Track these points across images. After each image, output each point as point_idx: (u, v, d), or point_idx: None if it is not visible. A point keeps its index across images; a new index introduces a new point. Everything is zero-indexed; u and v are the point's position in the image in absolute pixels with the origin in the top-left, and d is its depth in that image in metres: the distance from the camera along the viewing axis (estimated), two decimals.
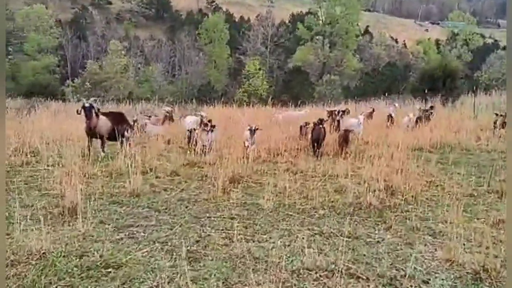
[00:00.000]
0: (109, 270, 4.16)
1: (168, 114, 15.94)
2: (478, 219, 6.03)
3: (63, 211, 5.74)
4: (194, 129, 10.76)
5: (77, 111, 9.52)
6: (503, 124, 13.09)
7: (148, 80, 52.64)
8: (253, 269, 4.20)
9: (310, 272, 4.22)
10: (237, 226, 5.48)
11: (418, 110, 17.50)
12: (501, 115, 13.64)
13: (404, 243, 5.08)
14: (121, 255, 4.47)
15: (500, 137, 12.83)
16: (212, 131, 10.32)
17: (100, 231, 5.19)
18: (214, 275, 4.14)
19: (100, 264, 4.25)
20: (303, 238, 5.04)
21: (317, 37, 60.76)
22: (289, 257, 4.55)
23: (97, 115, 9.31)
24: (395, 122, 15.87)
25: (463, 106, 22.37)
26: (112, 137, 9.70)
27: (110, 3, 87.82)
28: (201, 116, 13.79)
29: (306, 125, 12.32)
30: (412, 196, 6.91)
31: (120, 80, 48.34)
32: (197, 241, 5.01)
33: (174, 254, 4.57)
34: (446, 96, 27.08)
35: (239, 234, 5.18)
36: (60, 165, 8.12)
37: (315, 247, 4.79)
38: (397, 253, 4.78)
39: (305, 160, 9.52)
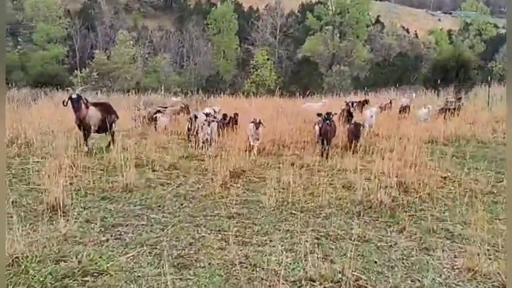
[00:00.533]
0: (87, 278, 3.70)
1: (183, 106, 15.44)
2: (499, 219, 5.49)
3: (47, 208, 5.28)
4: (196, 118, 10.05)
5: (63, 102, 8.73)
6: None
7: (156, 70, 52.19)
8: (249, 279, 3.73)
9: (313, 284, 3.72)
10: (235, 227, 5.01)
11: (445, 101, 16.65)
12: None
13: (419, 248, 4.57)
14: (102, 261, 4.01)
15: None
16: (213, 121, 9.62)
17: (84, 232, 4.73)
18: (205, 286, 3.67)
19: (78, 271, 3.79)
20: (306, 241, 4.56)
21: (327, 27, 59.70)
22: (290, 264, 4.07)
23: (86, 106, 8.69)
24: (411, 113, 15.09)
25: (477, 98, 21.60)
26: (101, 129, 9.15)
27: None
28: (213, 110, 13.07)
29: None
30: (427, 194, 6.37)
31: (128, 70, 48.00)
32: (190, 244, 4.54)
33: (163, 259, 4.09)
34: (459, 87, 26.36)
35: (236, 236, 4.71)
36: (52, 158, 7.65)
37: (319, 252, 4.29)
38: (411, 260, 4.27)
39: (312, 154, 8.99)
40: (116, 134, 9.38)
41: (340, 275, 3.82)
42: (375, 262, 4.19)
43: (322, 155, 9.03)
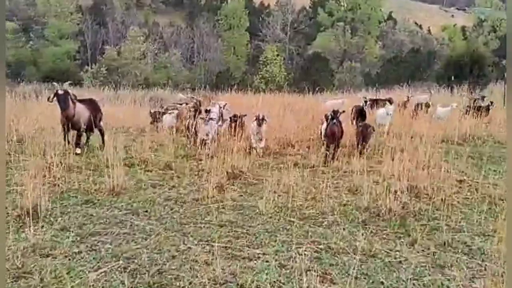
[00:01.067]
0: None
1: (196, 102, 14.84)
2: None
3: (21, 214, 4.81)
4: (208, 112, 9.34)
5: (48, 98, 7.94)
6: None
7: (166, 66, 51.85)
8: None
9: None
10: (226, 237, 4.50)
11: (469, 100, 15.84)
12: None
13: (432, 265, 4.00)
14: (68, 278, 3.51)
15: None
16: (212, 119, 9.00)
17: (56, 242, 4.24)
18: None
19: None
20: (305, 253, 4.04)
21: (338, 23, 58.67)
22: (283, 284, 3.54)
23: (73, 103, 7.80)
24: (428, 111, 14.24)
25: (492, 95, 20.80)
26: (89, 127, 8.41)
27: None
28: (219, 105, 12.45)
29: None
30: (442, 199, 5.77)
31: (138, 66, 47.71)
32: (173, 257, 4.04)
33: (138, 277, 3.60)
34: (473, 84, 25.58)
35: (226, 248, 4.20)
36: (40, 157, 7.18)
37: (318, 269, 3.76)
38: (423, 280, 3.71)
39: (317, 153, 8.41)
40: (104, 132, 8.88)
41: None
42: (382, 282, 3.65)
43: (325, 161, 7.94)
